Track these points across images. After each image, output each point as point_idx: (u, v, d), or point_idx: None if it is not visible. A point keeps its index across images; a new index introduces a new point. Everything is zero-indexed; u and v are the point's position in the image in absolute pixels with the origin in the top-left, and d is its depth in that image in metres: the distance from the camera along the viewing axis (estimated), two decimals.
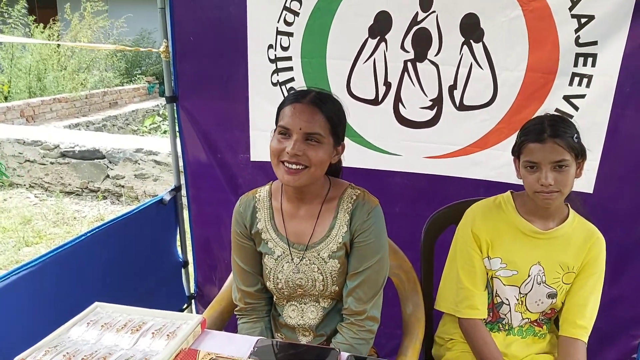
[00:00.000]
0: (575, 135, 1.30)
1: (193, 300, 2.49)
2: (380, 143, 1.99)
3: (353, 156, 2.00)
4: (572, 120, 1.75)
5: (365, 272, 1.29)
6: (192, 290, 2.48)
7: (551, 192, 1.27)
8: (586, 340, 1.37)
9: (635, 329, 1.97)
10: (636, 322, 1.97)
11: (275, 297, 1.40)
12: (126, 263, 2.00)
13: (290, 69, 1.95)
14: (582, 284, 1.39)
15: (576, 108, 1.79)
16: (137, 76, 10.03)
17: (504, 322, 1.47)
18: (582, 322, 1.37)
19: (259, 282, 1.39)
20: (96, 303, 1.24)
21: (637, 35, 1.67)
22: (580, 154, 1.30)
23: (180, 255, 2.43)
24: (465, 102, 1.88)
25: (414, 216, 1.79)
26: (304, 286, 1.33)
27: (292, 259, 1.32)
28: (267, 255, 1.35)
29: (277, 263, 1.34)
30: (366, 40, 1.87)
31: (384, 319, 1.44)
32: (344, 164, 2.00)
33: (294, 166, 1.19)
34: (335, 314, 1.37)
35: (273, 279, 1.34)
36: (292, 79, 1.96)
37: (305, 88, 1.31)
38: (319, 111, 1.21)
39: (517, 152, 1.36)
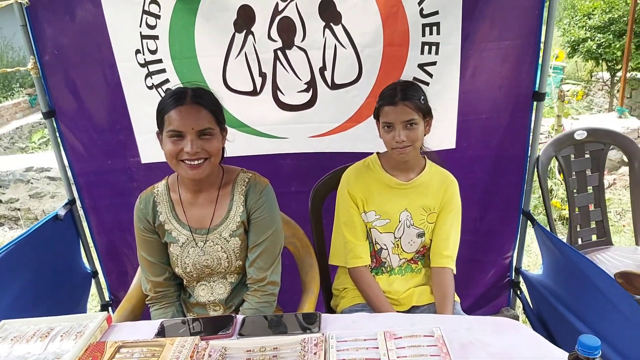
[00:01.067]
0: (422, 97, 1.52)
1: (110, 308, 2.49)
2: (267, 129, 2.09)
3: (244, 145, 2.10)
4: (429, 85, 2.01)
5: (263, 244, 1.45)
6: (107, 299, 2.48)
7: (405, 147, 1.50)
8: (453, 267, 1.62)
9: (505, 253, 2.31)
10: (505, 247, 2.30)
11: (185, 280, 1.51)
12: (32, 284, 1.97)
13: (163, 70, 1.96)
14: (443, 220, 1.64)
15: (430, 75, 1.99)
16: (16, 89, 9.19)
17: (385, 265, 1.69)
18: (447, 252, 1.62)
19: (166, 271, 1.49)
20: (3, 321, 1.27)
21: (469, 2, 1.89)
22: (426, 113, 1.53)
23: (88, 267, 2.41)
24: (337, 81, 2.02)
25: (308, 192, 1.91)
26: (210, 266, 1.45)
27: (197, 244, 1.44)
28: (172, 244, 1.45)
29: (182, 250, 1.45)
30: (234, 35, 1.92)
31: (291, 285, 1.61)
32: (238, 154, 2.11)
33: (195, 162, 1.31)
34: (242, 287, 1.52)
35: (181, 264, 1.45)
36: (167, 81, 1.97)
37: (179, 86, 1.39)
38: (202, 107, 1.32)
39: (376, 115, 1.57)
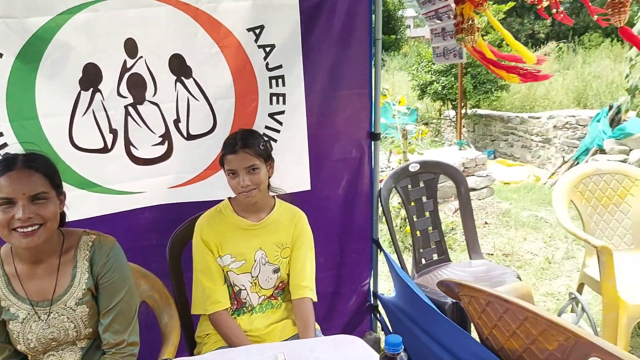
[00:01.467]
0: (262, 143, 1.65)
1: None
2: (121, 186, 2.05)
3: (97, 205, 2.02)
4: (280, 132, 2.17)
5: (117, 307, 1.41)
6: None
7: (250, 191, 1.60)
8: (312, 295, 1.72)
9: (363, 280, 2.51)
10: (363, 274, 2.50)
11: (30, 356, 1.40)
12: None
13: (0, 134, 1.85)
14: (297, 254, 1.75)
15: (280, 123, 2.16)
16: None
17: (247, 305, 1.75)
18: (304, 283, 1.72)
19: (6, 349, 1.39)
20: None
21: (308, 56, 2.12)
22: (267, 157, 1.66)
23: None
24: (192, 132, 2.08)
25: None
26: (57, 338, 1.38)
27: (40, 317, 1.36)
28: (11, 322, 1.35)
29: (23, 326, 1.35)
30: (79, 93, 1.89)
31: (152, 341, 1.58)
32: (91, 215, 2.02)
33: (29, 229, 1.24)
34: (95, 350, 1.45)
35: (24, 341, 1.36)
36: (4, 145, 1.85)
37: (8, 153, 1.34)
38: (35, 172, 1.28)
39: (221, 163, 1.67)
